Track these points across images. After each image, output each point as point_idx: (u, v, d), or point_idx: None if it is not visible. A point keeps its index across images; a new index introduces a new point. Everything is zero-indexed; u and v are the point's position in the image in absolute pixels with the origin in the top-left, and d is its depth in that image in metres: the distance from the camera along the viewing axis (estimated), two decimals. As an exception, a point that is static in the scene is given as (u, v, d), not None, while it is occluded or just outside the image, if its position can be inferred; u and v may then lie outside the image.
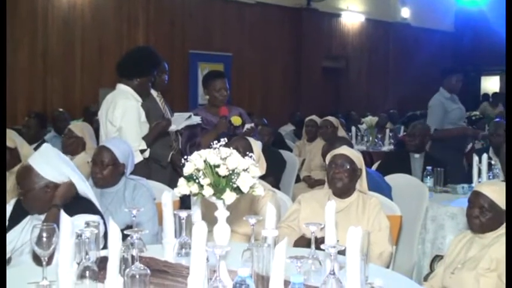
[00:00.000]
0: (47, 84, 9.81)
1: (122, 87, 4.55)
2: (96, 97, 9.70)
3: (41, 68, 9.73)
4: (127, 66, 4.60)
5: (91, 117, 7.77)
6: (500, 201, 2.86)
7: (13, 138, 4.57)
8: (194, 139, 4.79)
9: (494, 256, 2.81)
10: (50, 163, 2.83)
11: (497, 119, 6.17)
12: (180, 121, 4.67)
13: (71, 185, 2.87)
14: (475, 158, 4.89)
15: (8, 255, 2.81)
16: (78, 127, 5.37)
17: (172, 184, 2.22)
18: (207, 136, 4.61)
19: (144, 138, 4.47)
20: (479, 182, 4.68)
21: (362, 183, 3.44)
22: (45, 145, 2.96)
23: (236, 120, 4.76)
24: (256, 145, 3.85)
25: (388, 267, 3.21)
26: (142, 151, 4.44)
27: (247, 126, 4.82)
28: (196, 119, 4.68)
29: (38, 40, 9.70)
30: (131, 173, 3.70)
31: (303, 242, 3.14)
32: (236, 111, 4.98)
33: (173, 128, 4.67)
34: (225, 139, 2.24)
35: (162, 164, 4.62)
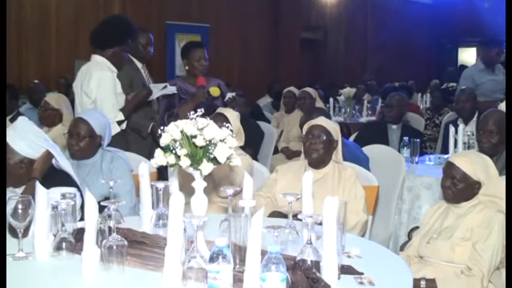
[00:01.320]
0: (22, 56, 9.65)
1: (97, 58, 4.49)
2: (72, 68, 9.57)
3: (15, 38, 9.56)
4: (100, 36, 4.52)
5: (65, 89, 7.68)
6: (472, 172, 2.89)
7: None
8: (172, 110, 4.78)
9: (469, 225, 2.86)
10: (25, 138, 2.79)
11: (463, 87, 6.20)
12: (155, 91, 4.64)
13: (47, 156, 2.84)
14: (451, 129, 4.92)
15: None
16: (54, 99, 5.31)
17: (152, 155, 2.20)
18: (185, 106, 4.59)
19: (123, 108, 4.43)
20: (455, 152, 4.72)
21: (337, 154, 3.45)
22: (20, 119, 2.91)
23: (214, 91, 4.74)
24: (235, 117, 3.83)
25: (363, 235, 3.25)
26: (119, 122, 4.41)
27: (229, 95, 4.80)
28: (171, 89, 4.64)
29: (11, 8, 9.50)
30: (109, 145, 3.68)
31: (276, 216, 3.14)
32: (215, 82, 4.96)
33: (150, 97, 4.65)
34: (202, 110, 2.22)
35: (143, 135, 4.60)
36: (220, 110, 3.94)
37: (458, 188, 2.91)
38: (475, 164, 2.91)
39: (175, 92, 4.67)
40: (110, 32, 4.52)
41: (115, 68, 4.48)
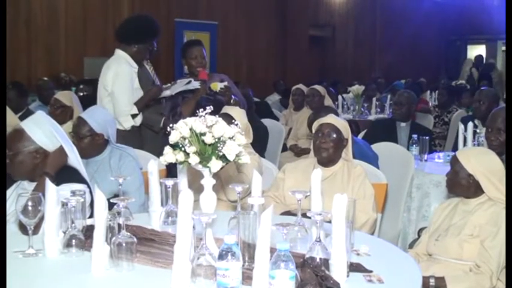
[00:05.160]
0: (31, 53, 9.68)
1: (119, 53, 4.59)
2: (80, 66, 9.61)
3: (25, 37, 9.60)
4: (127, 31, 4.63)
5: (68, 86, 7.72)
6: (467, 164, 2.92)
7: None
8: (176, 109, 4.79)
9: (476, 222, 2.86)
10: (42, 129, 2.80)
11: (483, 88, 6.18)
12: (178, 87, 4.68)
13: (62, 153, 2.84)
14: (461, 126, 4.91)
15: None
16: (65, 96, 5.31)
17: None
18: (188, 104, 4.64)
19: (135, 103, 4.48)
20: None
21: (348, 152, 3.44)
22: (39, 112, 2.93)
23: (215, 86, 4.74)
24: (241, 114, 3.80)
25: (372, 234, 3.24)
26: (134, 116, 4.47)
27: (220, 85, 4.76)
28: (195, 84, 4.67)
29: (21, 6, 9.54)
30: (122, 141, 3.69)
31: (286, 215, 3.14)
32: (218, 77, 4.96)
33: (167, 93, 4.69)
34: (211, 107, 2.22)
35: (155, 129, 4.63)
36: (225, 109, 3.91)
37: (453, 178, 2.97)
38: (474, 158, 2.93)
39: (198, 87, 4.67)
40: (138, 30, 4.62)
41: (136, 64, 4.57)
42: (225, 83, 4.79)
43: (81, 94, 6.49)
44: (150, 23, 4.77)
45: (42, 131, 2.80)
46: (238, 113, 3.76)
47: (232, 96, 4.73)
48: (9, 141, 2.82)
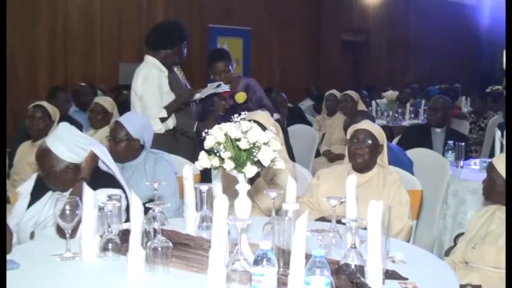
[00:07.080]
0: (67, 59, 9.83)
1: (148, 58, 4.69)
2: (116, 72, 9.72)
3: (62, 43, 9.75)
4: (155, 38, 4.74)
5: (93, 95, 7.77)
6: (503, 170, 2.88)
7: (55, 110, 4.73)
8: (204, 117, 4.82)
9: (514, 230, 2.81)
10: (68, 145, 2.82)
11: None
12: (208, 90, 4.75)
13: (93, 157, 2.88)
14: (498, 133, 4.84)
15: (31, 230, 2.83)
16: (107, 102, 5.38)
17: (198, 155, 2.21)
18: (209, 122, 4.62)
19: (166, 106, 4.54)
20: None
21: (383, 158, 3.41)
22: (61, 125, 2.93)
23: (240, 97, 4.75)
24: (266, 116, 3.67)
25: (408, 241, 3.21)
26: (163, 119, 4.53)
27: (241, 100, 4.76)
28: (224, 87, 4.74)
29: (58, 15, 9.70)
30: (156, 146, 3.73)
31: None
32: (245, 81, 5.00)
33: (197, 96, 4.76)
34: (246, 113, 2.23)
35: (189, 135, 4.68)
36: (249, 116, 3.79)
37: (489, 185, 2.96)
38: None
39: (228, 89, 4.73)
40: (165, 36, 4.72)
41: (166, 68, 4.65)
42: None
43: (119, 100, 6.56)
44: (176, 28, 4.87)
45: (68, 148, 2.82)
46: (262, 116, 3.65)
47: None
48: (39, 160, 2.86)
